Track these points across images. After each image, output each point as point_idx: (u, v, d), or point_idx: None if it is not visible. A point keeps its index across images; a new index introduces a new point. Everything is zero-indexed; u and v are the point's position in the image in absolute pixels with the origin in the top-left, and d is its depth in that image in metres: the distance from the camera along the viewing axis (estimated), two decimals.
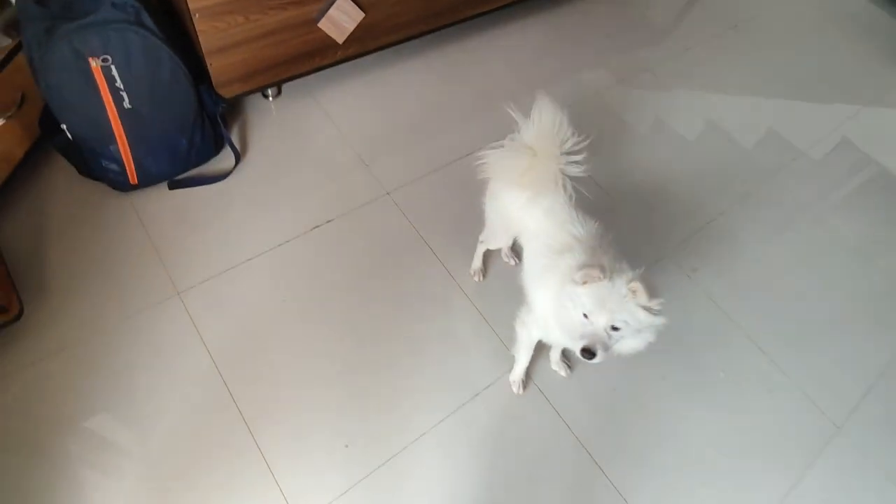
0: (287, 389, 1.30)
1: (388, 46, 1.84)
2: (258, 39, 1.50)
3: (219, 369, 1.29)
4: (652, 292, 0.92)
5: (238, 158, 1.63)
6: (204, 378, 1.28)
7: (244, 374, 1.29)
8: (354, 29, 1.66)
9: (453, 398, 1.33)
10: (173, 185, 1.56)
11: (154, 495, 1.13)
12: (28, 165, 1.50)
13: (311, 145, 1.74)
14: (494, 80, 2.03)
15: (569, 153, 1.09)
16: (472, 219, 1.44)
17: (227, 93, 1.57)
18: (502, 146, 1.16)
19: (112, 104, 1.32)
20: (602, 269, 0.93)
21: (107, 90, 1.30)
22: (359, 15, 1.63)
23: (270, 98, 1.81)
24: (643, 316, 0.93)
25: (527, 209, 1.15)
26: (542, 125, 1.10)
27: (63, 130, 1.36)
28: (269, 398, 1.27)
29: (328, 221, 1.58)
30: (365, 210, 1.62)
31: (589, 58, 2.18)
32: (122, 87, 1.31)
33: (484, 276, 1.53)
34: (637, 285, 0.91)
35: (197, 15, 1.34)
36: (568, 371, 1.39)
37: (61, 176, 1.54)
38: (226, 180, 1.61)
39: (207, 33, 1.39)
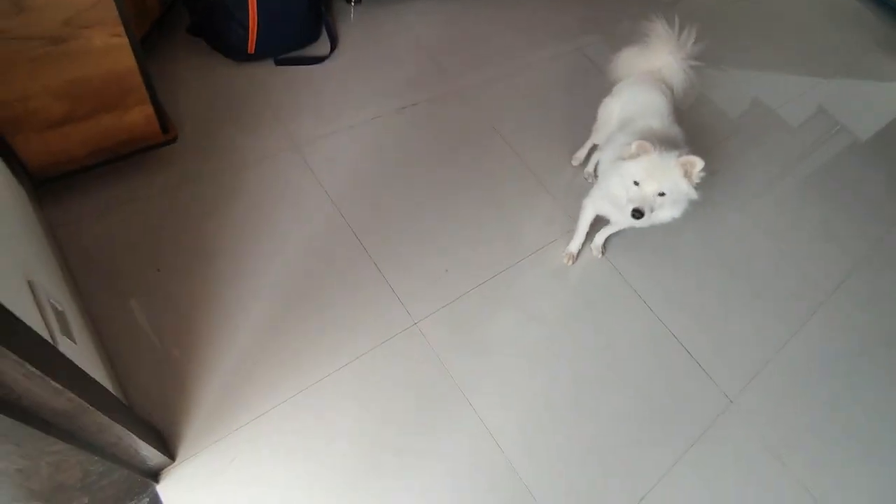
0: (396, 223, 1.55)
1: None
2: None
3: (336, 205, 1.53)
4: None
5: (334, 46, 1.85)
6: (325, 213, 1.51)
7: (359, 212, 1.53)
8: None
9: (521, 249, 1.61)
10: (280, 62, 1.77)
11: (288, 299, 1.36)
12: (159, 35, 1.67)
13: (390, 45, 1.98)
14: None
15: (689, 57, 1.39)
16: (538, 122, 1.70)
17: None
18: (636, 48, 1.43)
19: None
20: (653, 143, 1.19)
21: None
22: None
23: (353, 3, 2.03)
24: (685, 186, 1.20)
25: (639, 100, 1.42)
26: (669, 35, 1.39)
27: None
28: (380, 230, 1.52)
29: (413, 104, 1.82)
30: (444, 102, 1.87)
31: None
32: None
33: (584, 165, 1.82)
34: (695, 160, 1.17)
35: None
36: (602, 255, 1.66)
37: (183, 47, 1.72)
38: (323, 64, 1.83)
39: None
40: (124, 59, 1.15)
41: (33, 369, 0.57)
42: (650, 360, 1.50)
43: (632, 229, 1.60)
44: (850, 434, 1.52)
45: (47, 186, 1.30)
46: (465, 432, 1.27)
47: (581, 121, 1.94)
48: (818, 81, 2.57)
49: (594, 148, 1.77)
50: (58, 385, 0.62)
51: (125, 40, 1.12)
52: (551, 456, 1.29)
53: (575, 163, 1.84)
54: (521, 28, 2.22)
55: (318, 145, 1.63)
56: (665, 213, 1.26)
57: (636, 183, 1.21)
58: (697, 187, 1.22)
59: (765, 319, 1.68)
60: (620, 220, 1.41)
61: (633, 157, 1.20)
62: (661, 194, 1.20)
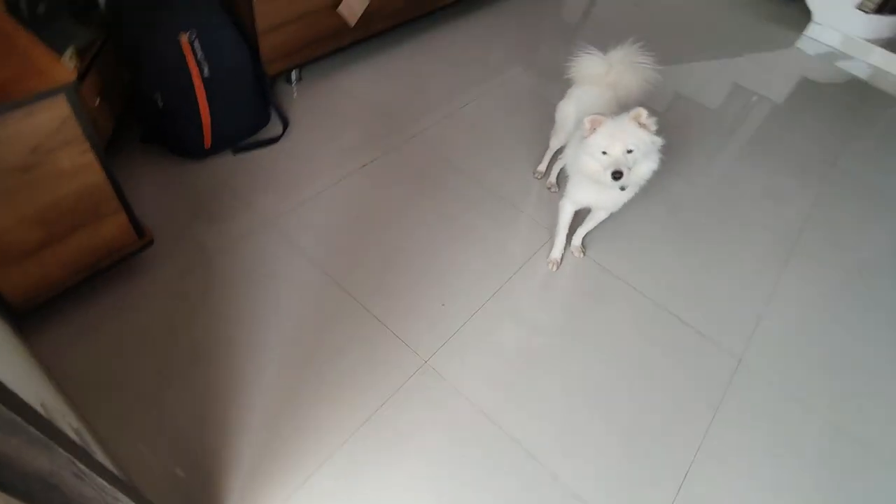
0: (382, 271, 1.58)
1: (387, 31, 2.25)
2: (295, 21, 1.85)
3: (320, 267, 1.55)
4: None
5: (286, 124, 1.93)
6: (311, 278, 1.54)
7: (344, 270, 1.56)
8: (363, 14, 2.05)
9: (506, 268, 1.67)
10: (238, 150, 1.83)
11: (295, 370, 1.37)
12: (115, 153, 1.71)
13: (337, 111, 2.08)
14: (482, 50, 2.49)
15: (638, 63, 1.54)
16: (477, 151, 1.81)
17: (271, 70, 1.89)
18: (590, 55, 1.57)
19: (196, 72, 1.60)
20: (602, 114, 1.31)
21: (193, 61, 1.58)
22: (366, 1, 2.03)
23: (294, 83, 2.14)
24: (645, 135, 1.31)
25: (589, 96, 1.56)
26: (624, 53, 1.55)
27: (155, 101, 1.62)
28: (369, 281, 1.55)
29: (373, 160, 1.90)
30: (400, 151, 1.96)
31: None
32: (202, 58, 1.60)
33: (546, 176, 1.92)
34: (640, 110, 1.30)
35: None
36: (583, 254, 1.74)
37: (141, 158, 1.77)
38: (279, 143, 1.90)
39: (263, 14, 1.73)
40: (93, 174, 1.19)
41: (83, 467, 0.57)
42: (656, 341, 1.55)
43: (605, 224, 1.68)
44: (858, 366, 1.59)
45: (30, 317, 1.29)
46: (505, 456, 1.27)
47: (529, 140, 2.06)
48: (725, 62, 2.81)
49: (554, 158, 1.88)
50: (104, 482, 0.62)
51: (92, 155, 1.15)
52: (591, 455, 1.30)
53: (538, 176, 1.94)
54: (455, 68, 2.37)
55: (290, 217, 1.67)
56: (643, 167, 1.34)
57: (605, 153, 1.30)
58: (657, 133, 1.32)
59: (747, 277, 1.77)
60: (604, 200, 1.50)
61: (591, 132, 1.31)
62: (629, 151, 1.29)
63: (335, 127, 2.01)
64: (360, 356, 1.39)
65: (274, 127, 1.94)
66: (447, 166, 1.93)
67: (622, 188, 1.38)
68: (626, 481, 1.27)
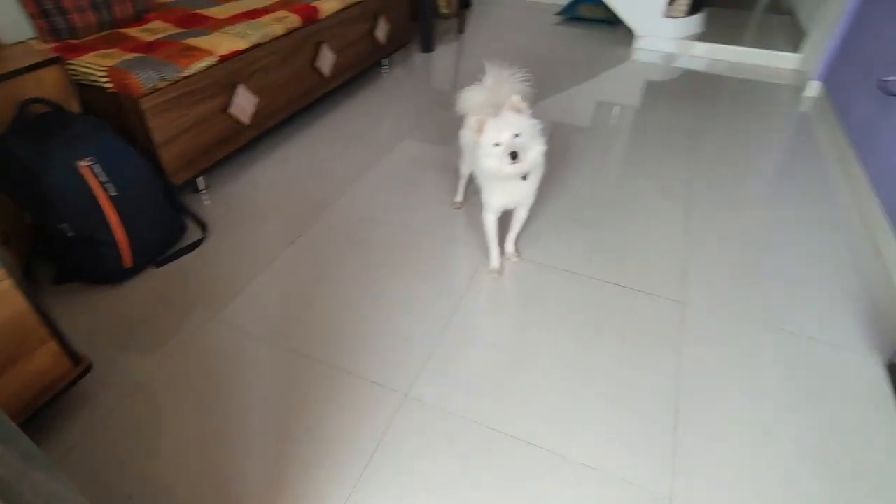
0: (338, 326, 1.58)
1: (282, 124, 2.38)
2: (191, 129, 1.93)
3: (273, 342, 1.53)
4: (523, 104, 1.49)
5: (204, 227, 1.94)
6: (268, 355, 1.51)
7: (299, 337, 1.55)
8: (254, 112, 2.17)
9: (454, 292, 1.74)
10: (161, 263, 1.81)
11: (281, 445, 1.31)
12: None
13: (253, 205, 2.12)
14: (366, 128, 2.67)
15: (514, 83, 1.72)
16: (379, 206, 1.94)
17: (178, 179, 1.92)
18: (469, 88, 1.74)
19: (103, 194, 1.60)
20: (485, 115, 1.48)
21: (97, 185, 1.59)
22: (254, 99, 2.16)
23: (202, 190, 2.18)
24: (525, 119, 1.46)
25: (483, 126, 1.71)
26: (496, 76, 1.73)
27: (64, 233, 1.58)
28: (327, 340, 1.54)
29: (299, 236, 1.94)
30: (322, 222, 2.02)
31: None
32: (106, 179, 1.61)
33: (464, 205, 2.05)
34: (514, 97, 1.46)
35: (147, 113, 1.74)
36: (518, 257, 1.86)
37: (55, 299, 1.69)
38: (202, 247, 1.90)
39: (158, 128, 1.79)
40: (14, 301, 1.14)
41: None
42: (608, 308, 1.65)
43: (528, 228, 1.81)
44: (779, 274, 1.78)
45: None
46: (511, 454, 1.26)
47: (437, 183, 2.21)
48: (584, 86, 3.22)
49: (468, 185, 2.03)
50: None
51: (10, 281, 1.11)
52: (586, 426, 1.32)
53: (456, 206, 2.07)
54: (351, 146, 2.52)
55: (232, 310, 1.65)
56: (533, 150, 1.47)
57: (497, 144, 1.43)
58: (533, 115, 1.49)
59: (661, 227, 1.96)
60: (517, 195, 1.63)
61: (480, 131, 1.45)
62: (517, 136, 1.43)
63: (254, 218, 2.05)
64: (342, 410, 1.36)
65: (194, 233, 1.95)
66: (371, 222, 2.01)
67: (524, 178, 1.53)
68: (626, 437, 1.30)
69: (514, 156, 1.43)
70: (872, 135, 2.17)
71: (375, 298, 1.69)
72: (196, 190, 2.17)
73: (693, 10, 3.66)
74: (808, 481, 1.22)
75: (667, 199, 2.16)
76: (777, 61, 3.44)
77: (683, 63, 3.54)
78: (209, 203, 2.13)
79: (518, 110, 1.47)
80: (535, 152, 1.51)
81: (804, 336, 1.57)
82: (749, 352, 1.52)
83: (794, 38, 3.61)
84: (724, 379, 1.44)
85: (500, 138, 1.44)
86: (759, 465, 1.25)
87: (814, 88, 3.00)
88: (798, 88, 3.12)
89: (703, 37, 3.67)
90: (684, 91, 3.16)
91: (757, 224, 2.02)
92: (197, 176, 2.07)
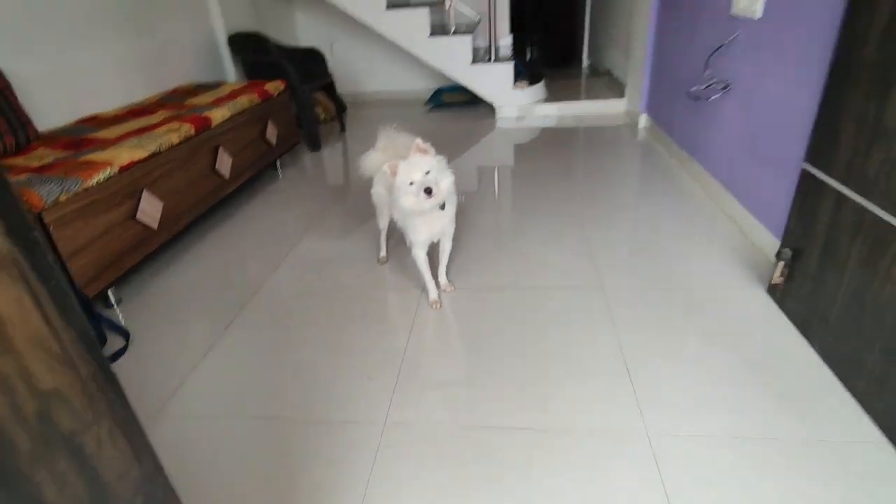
0: (296, 385, 1.56)
1: (191, 226, 2.38)
2: (99, 238, 1.88)
3: (231, 418, 1.47)
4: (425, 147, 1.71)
5: (126, 335, 1.84)
6: (237, 429, 1.44)
7: (260, 403, 1.50)
8: (162, 217, 2.17)
9: (400, 335, 1.82)
10: None
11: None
12: None
13: (176, 307, 2.06)
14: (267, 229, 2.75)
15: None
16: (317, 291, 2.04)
17: (91, 291, 1.83)
18: (366, 154, 1.90)
19: None
20: (396, 160, 1.68)
21: None
22: (159, 204, 2.17)
23: (116, 306, 2.06)
24: (431, 158, 1.66)
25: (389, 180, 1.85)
26: (387, 136, 1.90)
27: None
28: (288, 398, 1.51)
29: (231, 321, 1.91)
30: (253, 304, 2.01)
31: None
32: None
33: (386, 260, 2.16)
34: (417, 140, 1.67)
35: (52, 226, 1.69)
36: (452, 287, 2.01)
37: None
38: (127, 353, 1.78)
39: (64, 239, 1.73)
40: None
41: None
42: (547, 307, 1.82)
43: (456, 261, 1.97)
44: (670, 240, 2.09)
45: None
46: (504, 445, 1.31)
47: (357, 255, 2.33)
48: (466, 154, 3.63)
49: (389, 239, 2.16)
50: None
51: None
52: (561, 400, 1.42)
53: (382, 261, 2.18)
54: (261, 242, 2.58)
55: (180, 401, 1.55)
56: (444, 181, 1.64)
57: (411, 183, 1.59)
58: (437, 154, 1.68)
59: (565, 238, 2.23)
60: (438, 227, 1.78)
61: (393, 174, 1.61)
62: (427, 173, 1.60)
63: (180, 315, 1.98)
64: (324, 458, 1.32)
65: (116, 341, 1.83)
66: (306, 294, 2.04)
67: (442, 207, 1.71)
68: (598, 398, 1.42)
69: (428, 192, 1.60)
70: (692, 135, 2.75)
71: (329, 350, 1.70)
72: (108, 305, 2.06)
73: (533, 81, 4.37)
74: (729, 387, 1.42)
75: (562, 217, 2.47)
76: (610, 108, 4.18)
77: (538, 123, 4.15)
78: (130, 308, 2.03)
79: (423, 151, 1.68)
80: (446, 182, 1.70)
81: (701, 285, 1.85)
82: (664, 306, 1.76)
83: (617, 89, 4.43)
84: (654, 332, 1.65)
85: (414, 177, 1.62)
86: (702, 382, 1.43)
87: (644, 120, 3.68)
88: (633, 124, 3.80)
89: (548, 100, 4.37)
90: (546, 143, 3.69)
91: (634, 219, 2.39)
92: (110, 286, 1.98)
